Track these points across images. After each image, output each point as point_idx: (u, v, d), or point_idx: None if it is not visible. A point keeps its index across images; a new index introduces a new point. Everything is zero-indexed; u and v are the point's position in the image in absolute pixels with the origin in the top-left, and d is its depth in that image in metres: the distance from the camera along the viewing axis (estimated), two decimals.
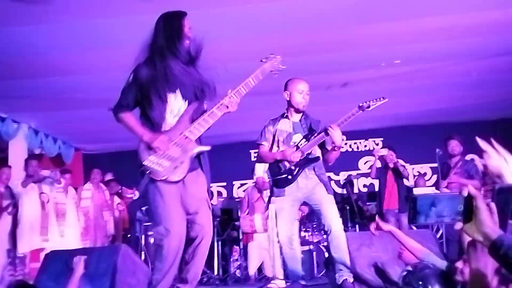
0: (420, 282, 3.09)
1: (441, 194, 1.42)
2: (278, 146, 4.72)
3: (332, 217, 4.43)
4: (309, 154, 4.59)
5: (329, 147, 4.59)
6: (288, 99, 4.72)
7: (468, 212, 1.38)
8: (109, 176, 9.32)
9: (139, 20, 5.39)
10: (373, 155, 8.23)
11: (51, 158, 9.67)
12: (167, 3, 5.04)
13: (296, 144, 4.62)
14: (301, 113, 4.77)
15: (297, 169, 4.58)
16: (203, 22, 5.59)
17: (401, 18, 5.73)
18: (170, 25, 3.56)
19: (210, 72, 3.57)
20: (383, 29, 5.99)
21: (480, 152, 1.86)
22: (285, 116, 4.79)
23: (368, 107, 4.59)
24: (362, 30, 6.00)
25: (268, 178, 5.14)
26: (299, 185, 4.57)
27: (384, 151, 7.93)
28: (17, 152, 8.56)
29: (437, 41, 6.41)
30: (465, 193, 1.37)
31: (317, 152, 4.65)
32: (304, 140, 4.61)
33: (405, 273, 3.34)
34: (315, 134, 4.57)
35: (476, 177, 6.47)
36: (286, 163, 4.60)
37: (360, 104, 4.56)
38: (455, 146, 6.70)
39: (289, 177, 4.59)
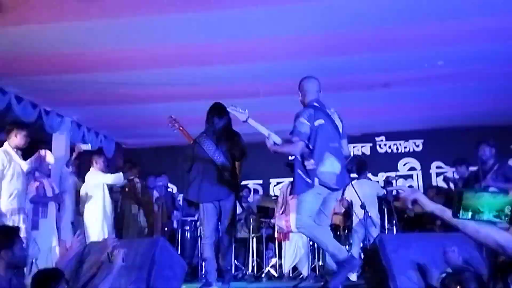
0: (459, 285, 3.04)
1: (489, 192, 1.37)
2: None
3: None
4: None
5: None
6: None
7: None
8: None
9: (181, 17, 5.48)
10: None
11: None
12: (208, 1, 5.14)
13: None
14: None
15: None
16: (244, 21, 5.66)
17: (445, 18, 5.63)
18: None
19: None
20: (427, 29, 5.89)
21: None
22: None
23: None
24: (405, 30, 5.92)
25: None
26: None
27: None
28: (60, 144, 8.77)
29: (481, 43, 6.27)
30: None
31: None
32: None
33: (444, 275, 3.29)
34: None
35: None
36: None
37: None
38: (485, 150, 6.56)
39: None
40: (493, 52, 6.56)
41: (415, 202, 1.79)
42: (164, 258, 4.60)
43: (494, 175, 6.48)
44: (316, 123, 4.64)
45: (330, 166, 4.61)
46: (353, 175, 7.79)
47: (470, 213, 1.38)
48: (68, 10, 5.17)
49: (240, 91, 7.53)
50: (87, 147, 7.69)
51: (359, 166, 8.11)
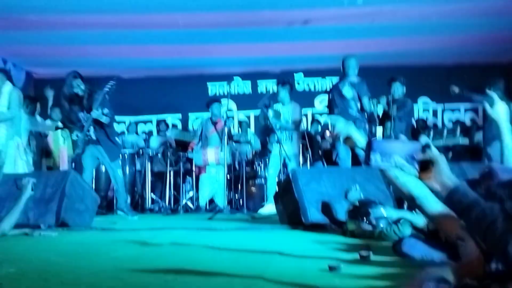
0: (364, 216, 3.18)
1: (399, 140, 1.44)
2: None
3: None
4: None
5: None
6: None
7: (426, 160, 1.38)
8: None
9: None
10: None
11: None
12: None
13: None
14: None
15: None
16: None
17: None
18: None
19: None
20: None
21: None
22: None
23: None
24: None
25: None
26: None
27: None
28: None
29: None
30: (423, 141, 1.39)
31: None
32: None
33: (351, 207, 3.42)
34: None
35: None
36: None
37: None
38: (397, 88, 6.91)
39: None
40: None
41: (348, 138, 1.78)
42: (75, 191, 4.51)
43: (401, 113, 6.86)
44: None
45: None
46: None
47: (380, 156, 1.43)
48: None
49: (158, 21, 7.32)
50: None
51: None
